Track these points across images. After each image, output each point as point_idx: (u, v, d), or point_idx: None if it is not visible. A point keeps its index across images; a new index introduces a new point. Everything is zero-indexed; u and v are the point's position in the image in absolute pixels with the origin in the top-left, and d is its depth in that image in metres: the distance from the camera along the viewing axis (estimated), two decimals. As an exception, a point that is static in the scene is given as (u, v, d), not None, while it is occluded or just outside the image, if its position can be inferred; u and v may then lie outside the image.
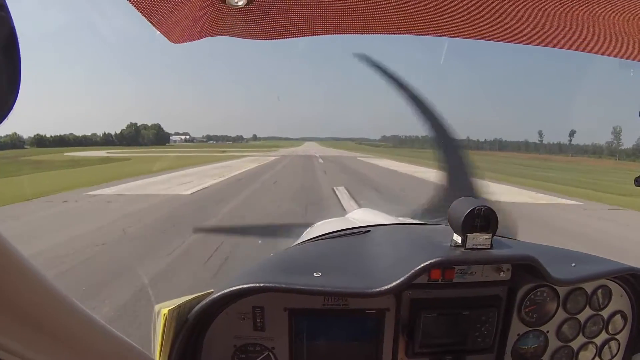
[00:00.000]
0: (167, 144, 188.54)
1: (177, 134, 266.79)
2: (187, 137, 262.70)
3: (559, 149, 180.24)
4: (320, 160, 34.62)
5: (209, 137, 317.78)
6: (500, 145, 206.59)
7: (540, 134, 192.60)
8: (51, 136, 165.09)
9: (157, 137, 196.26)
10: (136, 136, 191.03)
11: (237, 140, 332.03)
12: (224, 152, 41.24)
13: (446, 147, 2.15)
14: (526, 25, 1.02)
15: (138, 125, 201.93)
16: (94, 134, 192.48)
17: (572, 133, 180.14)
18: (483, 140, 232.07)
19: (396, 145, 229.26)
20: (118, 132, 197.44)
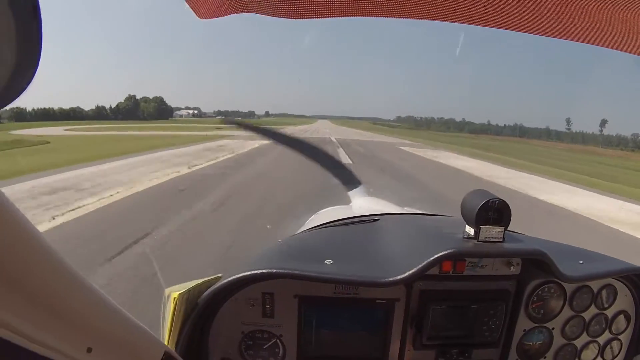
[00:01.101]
0: (169, 119, 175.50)
1: (187, 108, 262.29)
2: (196, 112, 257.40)
3: (582, 138, 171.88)
4: (343, 155, 19.41)
5: (219, 113, 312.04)
6: (520, 131, 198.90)
7: (568, 121, 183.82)
8: (33, 109, 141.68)
9: (159, 111, 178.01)
10: (134, 110, 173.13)
11: (249, 116, 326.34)
12: (206, 135, 31.52)
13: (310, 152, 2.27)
14: (550, 19, 1.02)
15: (138, 98, 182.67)
16: (76, 107, 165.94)
17: (603, 123, 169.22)
18: (503, 125, 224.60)
19: (412, 127, 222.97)
20: (114, 105, 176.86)
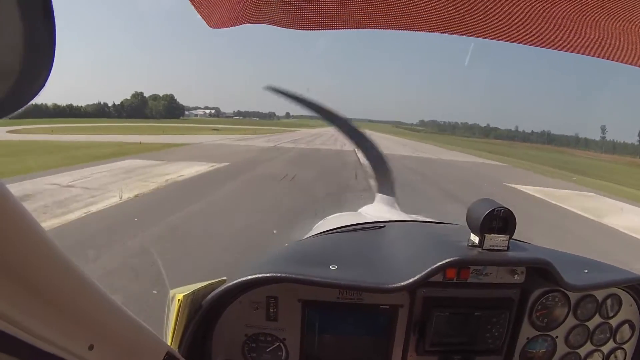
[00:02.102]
0: (181, 118, 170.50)
1: (206, 107, 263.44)
2: (213, 111, 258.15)
3: (613, 147, 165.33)
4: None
5: (239, 113, 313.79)
6: (548, 138, 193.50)
7: (603, 129, 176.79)
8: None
9: (168, 109, 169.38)
10: (141, 108, 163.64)
11: (269, 117, 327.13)
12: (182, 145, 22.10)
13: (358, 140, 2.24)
14: (564, 34, 1.02)
15: (146, 95, 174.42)
16: (72, 104, 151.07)
17: None
18: (530, 131, 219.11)
19: (436, 131, 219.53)
20: (118, 102, 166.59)
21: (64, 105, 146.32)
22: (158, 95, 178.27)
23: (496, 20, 1.00)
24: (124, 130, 43.22)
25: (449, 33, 1.06)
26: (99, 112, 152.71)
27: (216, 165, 13.90)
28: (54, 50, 0.34)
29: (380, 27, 1.02)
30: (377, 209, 2.18)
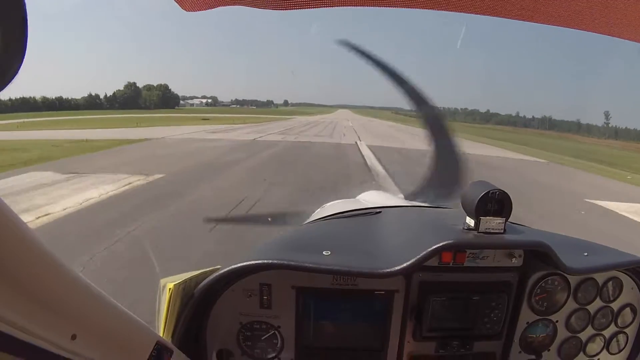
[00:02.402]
0: (176, 107, 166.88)
1: (204, 97, 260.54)
2: (210, 100, 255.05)
3: (615, 133, 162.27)
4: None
5: (236, 102, 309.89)
6: (550, 124, 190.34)
7: (606, 115, 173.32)
8: (10, 99, 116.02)
9: (163, 99, 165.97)
10: (135, 98, 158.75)
11: (267, 105, 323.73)
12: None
13: (436, 130, 1.97)
14: (559, 7, 1.00)
15: (140, 86, 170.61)
16: (62, 97, 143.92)
17: None
18: (531, 117, 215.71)
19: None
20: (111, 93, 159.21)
21: (54, 98, 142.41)
22: (152, 85, 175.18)
23: None
24: (97, 123, 40.42)
25: (438, 9, 1.00)
26: (90, 104, 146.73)
27: (138, 182, 9.71)
28: (25, 44, 0.34)
29: (362, 4, 0.97)
30: (376, 196, 2.22)
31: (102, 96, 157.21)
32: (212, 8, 0.94)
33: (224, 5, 0.95)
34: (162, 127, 33.10)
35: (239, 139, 23.55)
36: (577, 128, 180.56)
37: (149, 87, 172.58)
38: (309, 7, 0.95)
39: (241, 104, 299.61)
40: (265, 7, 0.95)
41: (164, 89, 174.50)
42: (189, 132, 27.52)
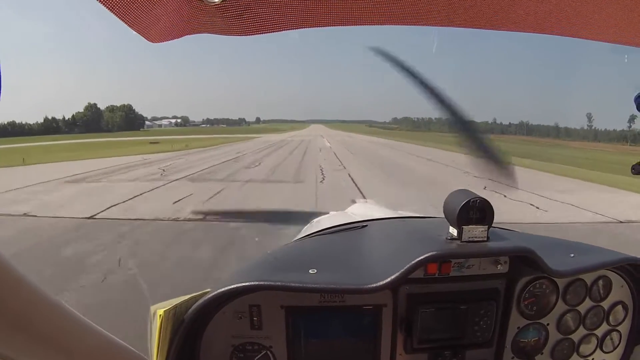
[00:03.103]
0: (141, 129, 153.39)
1: (174, 117, 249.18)
2: (179, 120, 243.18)
3: (594, 135, 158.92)
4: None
5: (208, 121, 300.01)
6: (527, 130, 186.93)
7: (589, 117, 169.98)
8: None
9: (127, 120, 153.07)
10: (97, 120, 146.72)
11: (238, 123, 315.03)
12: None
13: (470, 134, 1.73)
14: (526, 14, 1.01)
15: (101, 107, 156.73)
16: (10, 121, 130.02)
17: (632, 118, 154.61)
18: (508, 123, 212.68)
19: (411, 128, 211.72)
20: (70, 116, 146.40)
21: (6, 123, 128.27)
22: (115, 106, 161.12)
23: (443, 7, 0.96)
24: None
25: (405, 24, 1.01)
26: (47, 128, 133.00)
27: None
28: None
29: (323, 25, 0.98)
30: (364, 208, 2.19)
31: (60, 119, 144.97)
32: (176, 38, 0.93)
33: (188, 34, 0.95)
34: (63, 163, 21.66)
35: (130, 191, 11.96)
36: (555, 132, 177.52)
37: (111, 109, 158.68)
38: (269, 32, 0.95)
39: (212, 123, 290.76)
40: (229, 34, 0.95)
41: (127, 110, 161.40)
42: (81, 171, 17.14)
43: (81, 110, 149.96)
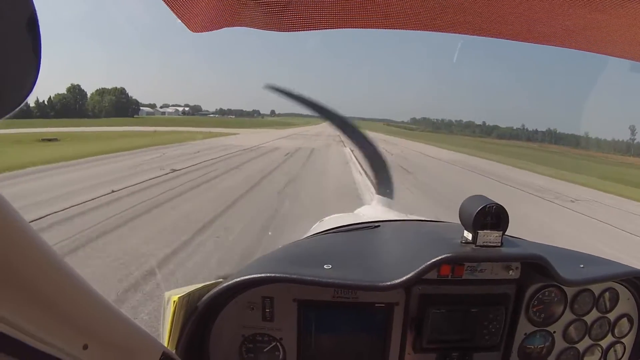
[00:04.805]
0: (135, 116, 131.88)
1: (181, 105, 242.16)
2: (187, 109, 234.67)
3: (627, 147, 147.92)
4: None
5: (221, 111, 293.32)
6: (555, 138, 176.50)
7: (632, 129, 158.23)
8: None
9: (117, 106, 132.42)
10: (81, 105, 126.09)
11: (251, 115, 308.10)
12: None
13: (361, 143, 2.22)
14: (541, 26, 1.03)
15: (85, 90, 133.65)
16: None
17: None
18: (534, 129, 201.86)
19: (431, 130, 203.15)
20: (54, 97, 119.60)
21: None
22: (106, 89, 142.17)
23: (473, 17, 0.98)
24: None
25: (425, 30, 1.04)
26: (18, 112, 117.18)
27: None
28: (40, 56, 0.35)
29: (361, 27, 1.01)
30: (374, 210, 2.16)
31: (35, 101, 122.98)
32: (217, 29, 0.97)
33: (229, 27, 0.98)
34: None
35: None
36: (585, 142, 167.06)
37: (101, 92, 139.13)
38: (307, 29, 0.97)
39: (224, 114, 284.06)
40: (267, 29, 0.97)
41: (117, 94, 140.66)
42: None
43: (64, 91, 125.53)
